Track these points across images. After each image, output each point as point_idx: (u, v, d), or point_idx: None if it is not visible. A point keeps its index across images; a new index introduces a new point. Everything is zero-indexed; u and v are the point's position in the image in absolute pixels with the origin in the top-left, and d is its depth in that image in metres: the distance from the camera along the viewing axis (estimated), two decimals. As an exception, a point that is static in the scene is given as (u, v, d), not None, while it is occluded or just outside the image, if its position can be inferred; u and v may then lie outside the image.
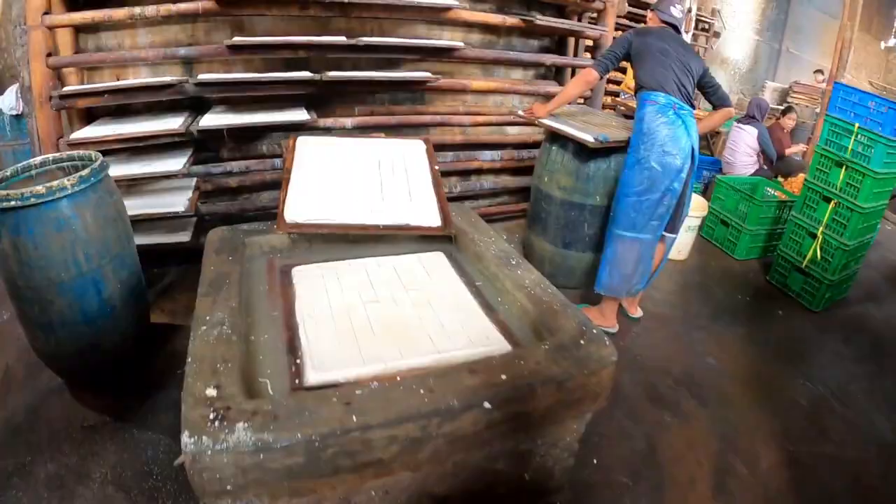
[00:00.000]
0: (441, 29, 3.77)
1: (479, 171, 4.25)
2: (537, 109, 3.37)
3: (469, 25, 3.84)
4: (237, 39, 3.04)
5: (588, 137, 3.08)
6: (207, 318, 1.71)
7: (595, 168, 3.30)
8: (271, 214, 3.56)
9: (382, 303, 2.00)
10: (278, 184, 3.57)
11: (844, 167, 3.81)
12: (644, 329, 3.50)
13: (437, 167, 2.62)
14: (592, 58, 4.47)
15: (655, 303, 3.76)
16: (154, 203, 3.12)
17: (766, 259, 4.79)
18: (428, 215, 2.33)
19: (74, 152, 2.49)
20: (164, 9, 2.99)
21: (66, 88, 3.01)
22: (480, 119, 3.99)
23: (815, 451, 2.69)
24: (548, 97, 4.25)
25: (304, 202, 2.23)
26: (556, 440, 1.85)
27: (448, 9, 3.38)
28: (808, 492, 2.47)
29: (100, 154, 2.39)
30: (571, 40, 4.35)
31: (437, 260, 2.31)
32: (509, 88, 4.11)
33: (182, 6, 3.00)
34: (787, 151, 6.36)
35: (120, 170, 2.96)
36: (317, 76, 3.17)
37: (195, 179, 3.31)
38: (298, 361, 1.69)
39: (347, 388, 1.52)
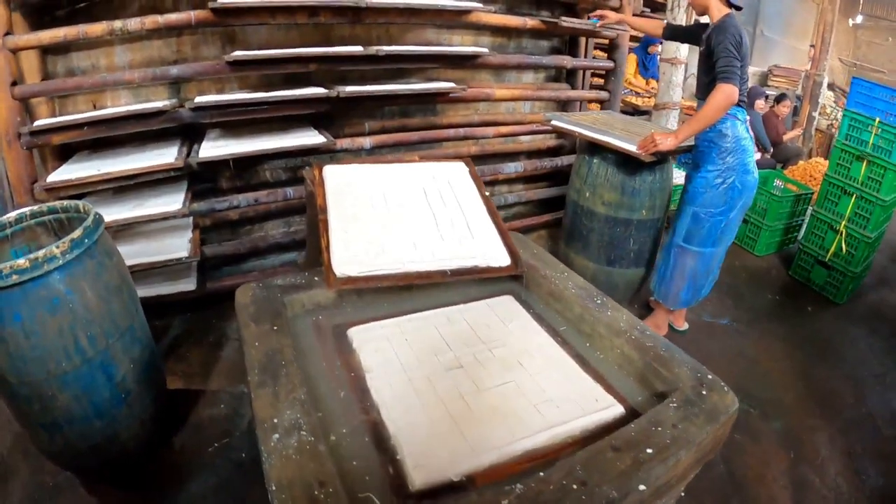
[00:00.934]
0: (451, 33, 3.44)
1: (498, 182, 3.95)
2: (662, 140, 2.75)
3: (485, 29, 3.53)
4: (239, 54, 2.61)
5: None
6: (276, 420, 1.34)
7: (641, 181, 3.07)
8: (281, 247, 3.22)
9: (467, 368, 1.67)
10: (285, 213, 3.19)
11: (866, 161, 3.85)
12: (691, 341, 3.45)
13: (486, 192, 2.29)
14: (609, 58, 4.19)
15: (692, 310, 3.68)
16: (149, 249, 2.71)
17: (783, 253, 4.91)
18: (494, 253, 2.01)
19: (56, 203, 2.08)
20: (151, 21, 2.55)
21: (37, 123, 2.56)
22: (505, 130, 3.68)
23: (875, 448, 2.82)
24: (561, 102, 3.99)
25: (352, 249, 1.87)
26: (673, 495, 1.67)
27: (469, 12, 3.03)
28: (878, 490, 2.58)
29: (89, 205, 1.99)
30: (583, 40, 4.05)
31: (509, 305, 2.00)
32: (531, 95, 3.81)
33: (171, 17, 2.57)
34: (785, 138, 6.30)
35: (106, 214, 2.54)
36: (332, 92, 2.78)
37: (192, 217, 2.90)
38: (397, 459, 1.37)
39: (470, 493, 1.27)
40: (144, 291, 2.70)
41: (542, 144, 4.08)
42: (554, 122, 3.24)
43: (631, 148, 2.87)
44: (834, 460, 2.68)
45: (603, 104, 4.24)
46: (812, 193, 4.88)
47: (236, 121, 2.83)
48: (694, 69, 3.31)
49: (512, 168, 3.77)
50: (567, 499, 1.21)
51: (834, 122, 8.92)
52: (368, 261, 1.84)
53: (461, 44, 3.40)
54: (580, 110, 4.06)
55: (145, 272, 2.68)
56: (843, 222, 4.05)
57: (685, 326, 3.50)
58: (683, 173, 3.48)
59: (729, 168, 2.79)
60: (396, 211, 2.07)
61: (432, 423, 1.45)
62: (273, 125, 2.97)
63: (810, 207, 4.81)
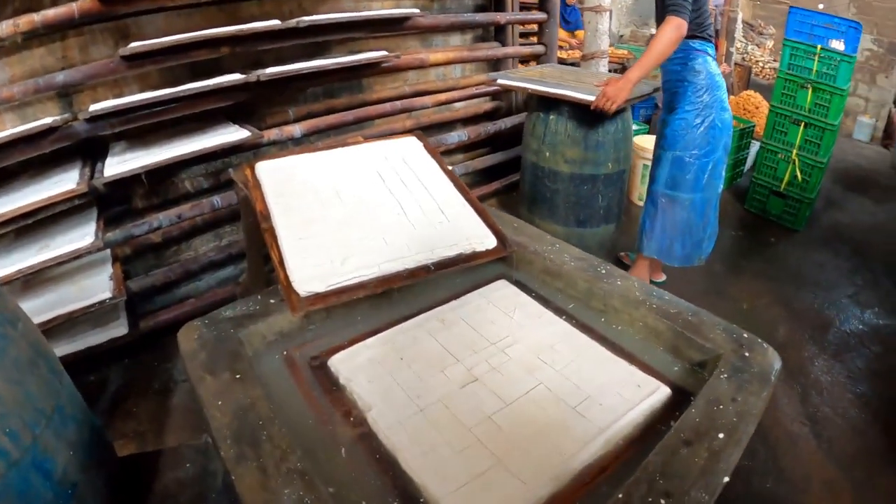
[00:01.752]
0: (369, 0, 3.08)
1: (441, 154, 3.61)
2: (616, 93, 2.62)
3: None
4: (135, 45, 2.15)
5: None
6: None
7: (604, 133, 2.89)
8: (215, 265, 2.83)
9: (484, 379, 1.39)
10: (213, 225, 2.79)
11: (811, 89, 3.93)
12: (671, 290, 3.25)
13: (449, 167, 2.00)
14: (541, 9, 3.94)
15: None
16: (66, 296, 2.26)
17: (733, 188, 4.95)
18: (476, 235, 1.72)
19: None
20: (26, 21, 2.07)
21: None
22: (442, 97, 3.36)
23: (868, 367, 2.95)
24: (493, 62, 3.72)
25: (312, 260, 1.54)
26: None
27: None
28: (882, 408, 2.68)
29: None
30: (507, -7, 3.77)
31: (505, 292, 1.73)
32: (467, 56, 3.51)
33: (50, 14, 2.10)
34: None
35: (7, 263, 2.11)
36: (251, 77, 2.37)
37: (109, 249, 2.47)
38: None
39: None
40: (69, 347, 2.28)
41: (479, 109, 3.79)
42: (501, 81, 2.98)
43: (591, 99, 2.67)
44: (837, 386, 2.77)
45: (539, 58, 3.99)
46: (754, 126, 4.97)
47: (143, 128, 2.39)
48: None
49: (455, 137, 3.46)
50: None
51: (746, 55, 9.13)
52: (335, 270, 1.51)
53: (381, 9, 3.05)
54: (512, 68, 3.80)
55: (66, 325, 2.25)
56: (795, 151, 4.14)
57: (663, 277, 3.38)
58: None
59: (707, 106, 2.65)
60: (354, 205, 1.75)
61: (467, 461, 1.16)
62: (186, 127, 2.55)
63: (753, 140, 4.86)
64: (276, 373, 1.42)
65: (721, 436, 1.18)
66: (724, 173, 2.87)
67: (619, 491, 1.05)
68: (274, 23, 2.38)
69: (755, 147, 5.05)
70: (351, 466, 1.17)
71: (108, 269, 2.41)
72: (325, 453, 1.20)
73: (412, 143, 2.08)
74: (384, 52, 2.84)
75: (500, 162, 3.89)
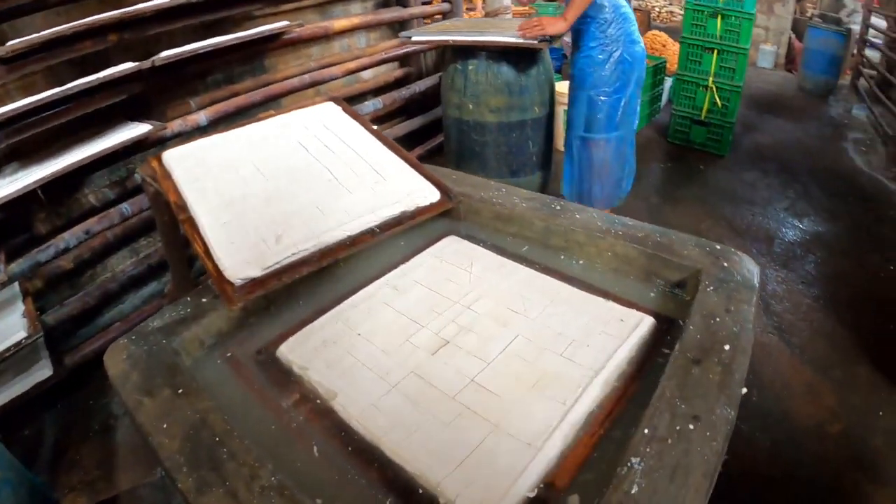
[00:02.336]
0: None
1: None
2: (551, 23, 2.55)
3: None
4: (14, 43, 1.85)
5: (531, 40, 2.57)
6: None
7: (527, 77, 2.76)
8: (136, 281, 2.57)
9: (456, 340, 1.25)
10: (127, 239, 2.52)
11: (720, 16, 4.00)
12: None
13: (374, 127, 1.83)
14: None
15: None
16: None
17: (653, 124, 5.06)
18: (418, 190, 1.56)
19: None
20: None
21: None
22: (353, 65, 3.15)
23: (818, 272, 3.07)
24: (396, 26, 3.55)
25: (241, 243, 1.34)
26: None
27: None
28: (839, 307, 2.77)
29: None
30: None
31: (457, 247, 1.58)
32: (372, 21, 3.30)
33: None
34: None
35: None
36: (146, 63, 2.10)
37: (16, 283, 2.17)
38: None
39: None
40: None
41: (389, 77, 3.61)
42: (416, 38, 2.81)
43: (517, 39, 2.56)
44: (794, 293, 2.86)
45: (445, 16, 3.83)
46: (665, 62, 5.00)
47: (35, 143, 2.10)
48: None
49: (370, 107, 3.27)
50: (696, 446, 0.90)
51: (642, 2, 9.36)
52: (269, 250, 1.32)
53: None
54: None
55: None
56: (711, 78, 4.19)
57: None
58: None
59: (612, 40, 2.54)
60: (279, 178, 1.55)
61: (460, 433, 1.01)
62: (82, 135, 2.23)
63: (667, 76, 4.90)
64: (222, 379, 1.21)
65: (727, 347, 1.10)
66: (638, 108, 2.80)
67: (644, 426, 0.93)
68: (162, 0, 2.12)
69: (668, 83, 5.10)
70: (331, 467, 1.00)
71: (20, 307, 2.12)
72: (299, 459, 1.02)
73: (330, 108, 1.90)
74: (286, 22, 2.62)
75: (420, 127, 3.74)
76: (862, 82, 5.99)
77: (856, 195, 3.87)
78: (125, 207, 2.33)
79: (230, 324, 1.34)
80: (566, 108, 3.91)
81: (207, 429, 0.99)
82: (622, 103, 2.63)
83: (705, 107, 4.31)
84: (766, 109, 5.51)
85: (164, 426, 1.00)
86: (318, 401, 1.12)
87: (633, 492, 0.82)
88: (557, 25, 2.51)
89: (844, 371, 2.33)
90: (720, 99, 4.22)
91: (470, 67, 2.70)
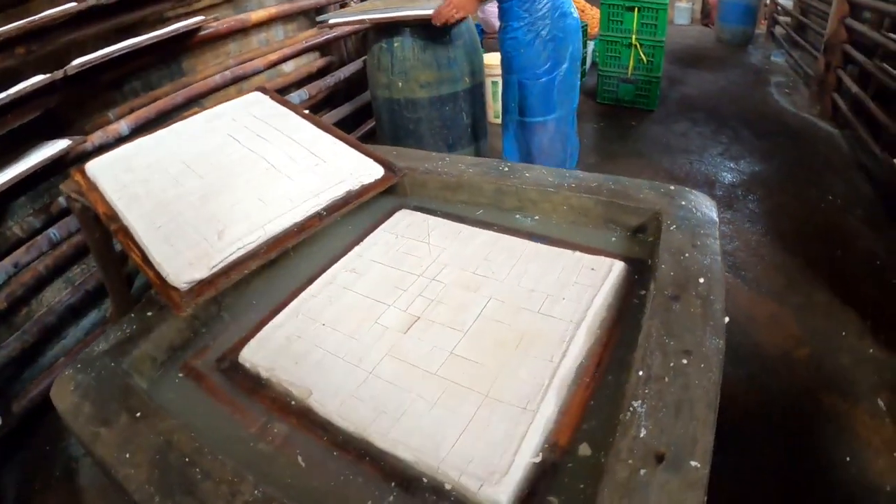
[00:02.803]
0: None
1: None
2: (457, 7, 2.41)
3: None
4: None
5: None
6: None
7: (454, 48, 2.69)
8: (75, 312, 2.41)
9: (426, 315, 1.19)
10: (60, 268, 2.35)
11: None
12: None
13: (306, 111, 1.75)
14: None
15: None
16: None
17: (582, 86, 4.98)
18: (360, 168, 1.49)
19: None
20: None
21: None
22: (274, 57, 3.03)
23: (763, 209, 3.16)
24: (312, 14, 3.43)
25: (181, 244, 1.24)
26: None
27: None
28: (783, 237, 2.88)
29: None
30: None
31: (411, 219, 1.52)
32: (292, 9, 3.16)
33: None
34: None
35: None
36: (58, 74, 1.92)
37: None
38: (447, 489, 0.86)
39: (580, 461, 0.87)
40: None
41: (312, 68, 3.48)
42: (333, 21, 2.71)
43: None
44: (742, 232, 2.90)
45: (361, -1, 3.74)
46: (587, 26, 4.99)
47: None
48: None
49: (297, 98, 3.16)
50: (693, 379, 0.88)
51: None
52: (213, 248, 1.23)
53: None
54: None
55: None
56: (634, 35, 4.22)
57: None
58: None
59: (538, 17, 2.32)
60: (214, 174, 1.45)
61: (450, 409, 0.95)
62: None
63: (590, 40, 4.94)
64: (183, 395, 1.11)
65: (702, 280, 1.09)
66: (578, 83, 2.62)
67: (638, 368, 0.90)
68: (71, 5, 1.96)
69: (592, 45, 5.14)
70: (320, 471, 0.92)
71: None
72: (284, 469, 0.93)
73: (258, 98, 1.81)
74: (201, 17, 2.49)
75: (349, 114, 3.63)
76: (778, 29, 6.18)
77: (785, 134, 3.99)
78: (53, 233, 2.17)
79: (182, 335, 1.23)
80: (494, 79, 3.93)
81: (174, 450, 0.90)
82: (556, 82, 2.45)
83: (631, 64, 4.35)
84: (688, 63, 5.62)
85: (127, 455, 0.90)
86: (293, 402, 1.04)
87: (641, 435, 0.79)
88: (465, 8, 2.39)
89: (802, 298, 2.38)
90: (645, 55, 4.26)
91: (395, 45, 2.62)
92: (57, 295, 2.38)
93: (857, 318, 2.24)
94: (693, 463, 0.75)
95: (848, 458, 1.76)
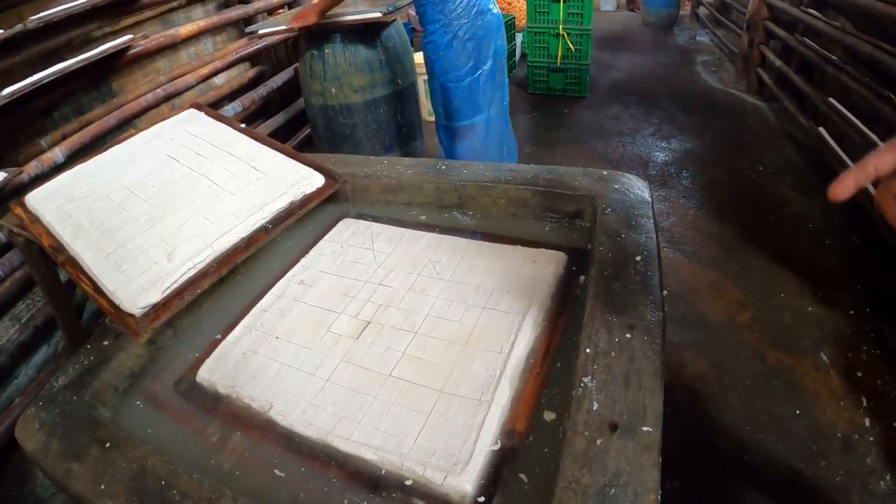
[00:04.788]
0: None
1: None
2: (308, 14, 2.52)
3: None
4: None
5: (376, 13, 2.52)
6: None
7: (384, 50, 2.73)
8: (25, 349, 2.34)
9: (377, 320, 1.21)
10: (8, 306, 2.29)
11: None
12: None
13: (242, 125, 1.75)
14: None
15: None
16: None
17: (512, 78, 5.12)
18: (301, 179, 1.50)
19: None
20: None
21: None
22: (205, 70, 2.99)
23: (699, 183, 3.29)
24: (242, 24, 3.40)
25: (132, 270, 1.23)
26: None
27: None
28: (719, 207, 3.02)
29: None
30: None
31: (354, 227, 1.54)
32: (220, 21, 3.12)
33: None
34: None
35: None
36: None
37: None
38: (407, 485, 0.89)
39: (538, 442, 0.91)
40: None
41: (244, 79, 3.46)
42: (263, 31, 2.72)
43: (364, 15, 2.52)
44: (678, 208, 3.05)
45: (291, 6, 3.71)
46: (514, 18, 5.15)
47: None
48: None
49: (231, 111, 3.13)
50: (638, 351, 0.94)
51: None
52: (164, 270, 1.23)
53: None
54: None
55: None
56: (561, 25, 4.32)
57: None
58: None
59: (454, 17, 2.28)
60: (157, 196, 1.45)
61: (409, 408, 0.98)
62: None
63: (518, 32, 5.02)
64: (147, 422, 1.11)
65: (639, 258, 1.15)
66: (506, 80, 2.61)
67: (585, 346, 0.95)
68: None
69: (520, 37, 5.22)
70: (288, 480, 0.93)
71: None
72: (255, 482, 0.94)
73: (193, 115, 1.80)
74: (129, 36, 2.45)
75: (283, 123, 3.62)
76: (702, 10, 6.39)
77: (714, 110, 4.16)
78: (-8, 271, 2.12)
79: (140, 361, 1.23)
80: (425, 77, 3.96)
81: (149, 475, 0.90)
82: (480, 83, 2.41)
83: (559, 54, 4.45)
84: (616, 48, 5.77)
85: (103, 487, 0.90)
86: (256, 416, 1.04)
87: (594, 408, 0.84)
88: (307, 18, 2.45)
89: (740, 265, 2.50)
90: (573, 44, 4.36)
91: (327, 51, 2.64)
92: (5, 334, 2.31)
93: (795, 278, 2.36)
94: (645, 428, 0.80)
95: (798, 411, 1.86)
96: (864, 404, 1.87)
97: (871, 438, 1.77)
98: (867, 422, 1.82)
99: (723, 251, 2.61)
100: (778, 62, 3.86)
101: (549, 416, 0.95)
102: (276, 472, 0.94)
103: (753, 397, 1.94)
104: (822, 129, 3.17)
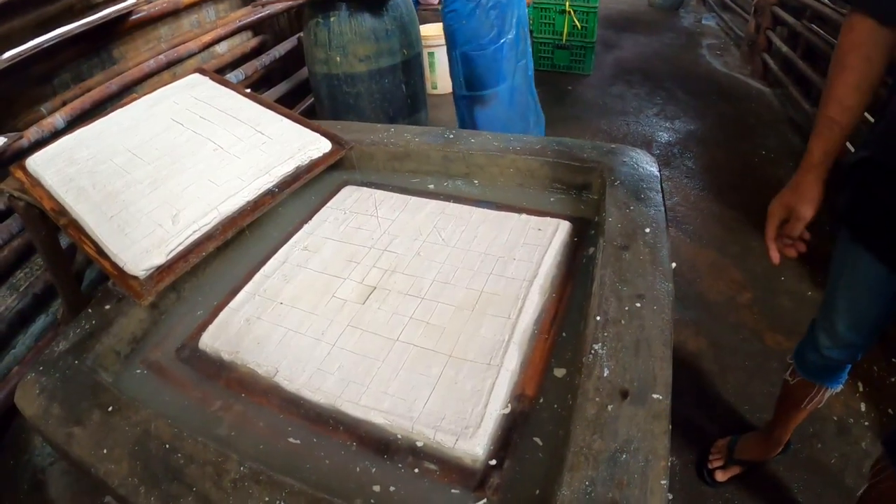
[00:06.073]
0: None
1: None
2: None
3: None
4: None
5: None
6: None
7: (391, 20, 2.66)
8: (24, 318, 2.32)
9: (382, 285, 1.21)
10: (6, 275, 2.27)
11: None
12: None
13: (247, 89, 1.73)
14: None
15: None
16: None
17: None
18: (308, 143, 1.48)
19: None
20: None
21: None
22: (208, 38, 2.94)
23: (700, 164, 3.27)
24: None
25: (137, 233, 1.22)
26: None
27: None
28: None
29: None
30: None
31: (357, 194, 1.53)
32: None
33: None
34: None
35: None
36: None
37: None
38: (418, 447, 0.89)
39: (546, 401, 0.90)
40: None
41: (246, 48, 3.41)
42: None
43: None
44: (681, 188, 3.02)
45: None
46: None
47: None
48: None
49: (234, 79, 3.09)
50: (648, 320, 0.94)
51: None
52: (169, 233, 1.21)
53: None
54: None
55: None
56: (568, 2, 4.25)
57: None
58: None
59: None
60: (161, 159, 1.43)
61: (417, 373, 0.98)
62: None
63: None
64: (148, 390, 1.09)
65: (648, 230, 1.14)
66: (529, 51, 2.57)
67: (595, 313, 0.94)
68: None
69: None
70: (298, 446, 0.92)
71: None
72: (264, 447, 0.93)
73: (197, 80, 1.77)
74: (132, 1, 2.41)
75: (286, 92, 3.57)
76: (709, -8, 6.32)
77: (718, 94, 4.12)
78: (-5, 236, 2.09)
79: (142, 326, 1.21)
80: (430, 50, 3.94)
81: (154, 439, 0.89)
82: (504, 51, 2.38)
83: (565, 31, 4.40)
84: (622, 28, 5.71)
85: (105, 451, 0.89)
86: (260, 382, 1.03)
87: (605, 375, 0.84)
88: None
89: (741, 247, 2.49)
90: (579, 21, 4.31)
91: (332, 19, 2.59)
92: (2, 303, 2.29)
93: (794, 262, 2.35)
94: (655, 395, 0.81)
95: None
96: (860, 389, 1.88)
97: (865, 423, 1.79)
98: (863, 406, 1.83)
99: (724, 232, 2.61)
100: (784, 48, 3.83)
101: (559, 372, 0.96)
102: (291, 439, 0.93)
103: (751, 377, 1.95)
104: (826, 117, 3.14)
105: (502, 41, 2.36)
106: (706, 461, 1.69)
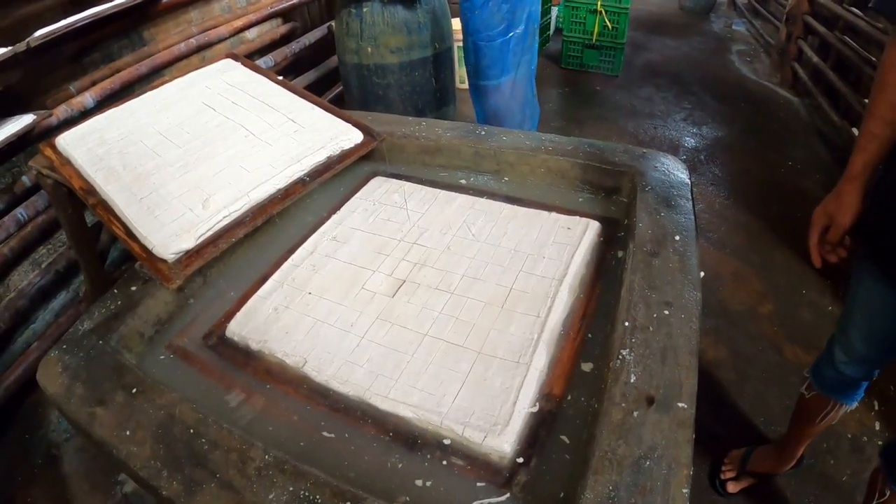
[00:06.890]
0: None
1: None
2: None
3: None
4: None
5: None
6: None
7: (424, 13, 2.66)
8: (45, 294, 2.34)
9: (412, 278, 1.21)
10: (26, 250, 2.28)
11: None
12: None
13: (280, 77, 1.74)
14: None
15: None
16: None
17: (545, 52, 5.11)
18: (339, 133, 1.49)
19: None
20: None
21: None
22: (239, 23, 2.96)
23: (725, 170, 3.27)
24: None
25: (165, 216, 1.23)
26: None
27: None
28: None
29: None
30: None
31: (387, 186, 1.53)
32: None
33: None
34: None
35: None
36: (20, 46, 1.84)
37: None
38: (447, 445, 0.89)
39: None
40: None
41: (275, 34, 3.41)
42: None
43: None
44: (706, 195, 2.99)
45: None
46: None
47: None
48: None
49: (263, 66, 3.07)
50: (676, 328, 0.94)
51: None
52: (198, 217, 1.22)
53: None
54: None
55: None
56: (599, 2, 4.22)
57: None
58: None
59: None
60: (192, 143, 1.44)
61: (446, 368, 0.98)
62: None
63: (554, 6, 4.95)
64: (176, 371, 1.09)
65: (678, 238, 1.13)
66: (535, 47, 2.63)
67: (623, 318, 0.94)
68: None
69: (555, 11, 5.13)
70: (328, 438, 0.92)
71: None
72: (289, 437, 0.93)
73: (229, 65, 1.78)
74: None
75: (315, 80, 3.58)
76: (740, -2, 6.26)
77: (747, 101, 4.08)
78: (20, 213, 2.10)
79: (168, 309, 1.20)
80: (461, 44, 3.92)
81: (178, 423, 0.88)
82: (511, 45, 2.43)
83: (595, 30, 4.37)
84: (651, 30, 5.66)
85: (128, 433, 0.88)
86: (288, 371, 1.03)
87: (632, 381, 0.83)
88: None
89: (764, 257, 2.47)
90: (610, 22, 4.28)
91: (365, 10, 2.59)
92: (25, 277, 2.31)
93: (817, 276, 2.33)
94: (681, 404, 0.80)
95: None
96: (876, 408, 1.86)
97: (879, 442, 1.77)
98: (877, 425, 1.82)
99: (748, 241, 2.59)
100: (815, 58, 3.78)
101: (586, 367, 0.96)
102: (325, 433, 0.93)
103: (768, 389, 1.93)
104: (854, 130, 3.11)
105: (511, 35, 2.40)
106: (719, 471, 1.68)
